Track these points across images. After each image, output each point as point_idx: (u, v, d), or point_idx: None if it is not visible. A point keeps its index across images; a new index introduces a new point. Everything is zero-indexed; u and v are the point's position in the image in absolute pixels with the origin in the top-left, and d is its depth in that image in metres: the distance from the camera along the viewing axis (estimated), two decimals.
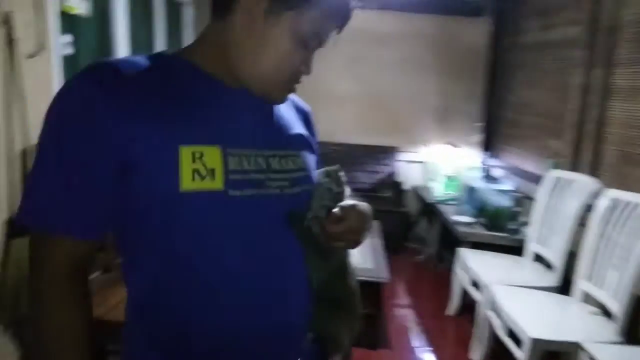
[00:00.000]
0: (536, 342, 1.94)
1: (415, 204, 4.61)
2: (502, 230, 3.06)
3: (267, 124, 0.85)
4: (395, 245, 4.25)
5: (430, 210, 4.18)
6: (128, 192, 0.71)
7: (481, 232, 3.10)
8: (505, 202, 3.13)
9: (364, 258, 2.86)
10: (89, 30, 2.53)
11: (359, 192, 4.26)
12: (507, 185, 3.43)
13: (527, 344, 1.96)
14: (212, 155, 0.72)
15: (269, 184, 0.79)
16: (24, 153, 1.82)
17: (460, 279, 2.98)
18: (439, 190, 4.02)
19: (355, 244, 0.87)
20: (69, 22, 2.31)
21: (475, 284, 2.71)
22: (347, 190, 0.91)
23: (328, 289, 0.88)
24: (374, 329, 2.66)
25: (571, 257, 2.56)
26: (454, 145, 4.34)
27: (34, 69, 1.82)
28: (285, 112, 0.91)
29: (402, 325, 3.11)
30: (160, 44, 3.36)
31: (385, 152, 4.64)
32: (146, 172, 0.69)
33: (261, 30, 0.74)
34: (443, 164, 4.17)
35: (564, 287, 2.48)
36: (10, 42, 1.71)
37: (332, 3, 0.76)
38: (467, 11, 4.62)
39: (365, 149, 4.64)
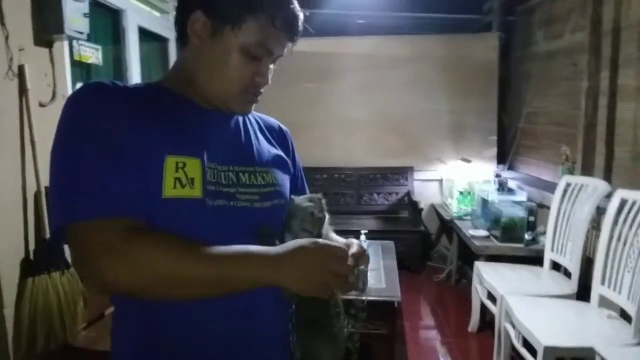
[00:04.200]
0: (550, 350, 1.89)
1: (434, 222, 4.58)
2: (518, 241, 3.01)
3: (237, 142, 0.90)
4: (416, 264, 4.22)
5: (448, 227, 4.14)
6: None
7: (496, 244, 3.06)
8: (519, 212, 3.08)
9: (377, 278, 2.85)
10: (102, 77, 2.71)
11: (376, 214, 4.26)
12: (522, 196, 3.38)
13: (541, 353, 1.91)
14: (193, 166, 0.78)
15: (239, 196, 0.84)
16: (36, 196, 1.95)
17: (478, 293, 2.93)
18: (455, 206, 4.00)
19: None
20: (83, 70, 2.49)
21: (492, 297, 2.66)
22: (327, 218, 0.95)
23: (305, 308, 0.90)
24: (389, 349, 2.62)
25: (588, 263, 2.50)
26: (468, 161, 4.32)
27: (47, 116, 1.97)
28: (258, 132, 0.98)
29: (423, 345, 3.06)
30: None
31: (401, 173, 4.66)
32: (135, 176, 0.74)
33: (211, 50, 0.81)
34: (458, 180, 4.14)
35: (584, 294, 2.41)
36: (23, 92, 1.87)
37: (269, 15, 0.80)
38: (476, 28, 4.69)
39: (381, 170, 4.67)
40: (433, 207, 4.53)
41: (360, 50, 4.58)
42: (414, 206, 4.41)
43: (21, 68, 1.84)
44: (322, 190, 4.38)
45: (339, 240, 0.98)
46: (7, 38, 1.76)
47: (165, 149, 0.77)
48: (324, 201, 0.95)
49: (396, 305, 2.57)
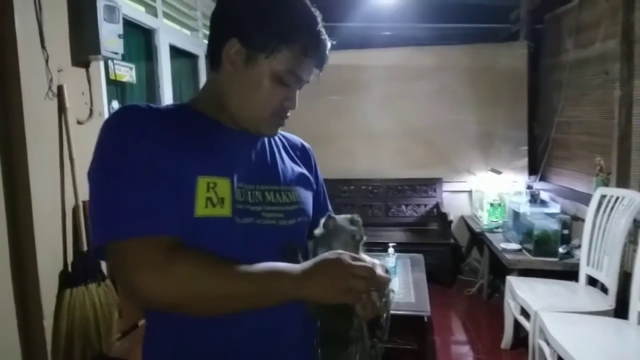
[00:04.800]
0: None
1: (464, 234, 4.51)
2: (552, 254, 2.93)
3: (263, 162, 0.93)
4: (446, 278, 4.15)
5: (479, 239, 4.07)
6: None
7: (529, 258, 2.98)
8: (552, 225, 3.00)
9: (407, 292, 2.83)
10: (137, 95, 2.81)
11: (405, 227, 4.22)
12: (555, 208, 3.30)
13: None
14: (223, 186, 0.81)
15: (265, 215, 0.86)
16: (74, 210, 2.02)
17: (511, 308, 2.86)
18: (485, 218, 3.93)
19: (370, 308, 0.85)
20: (117, 88, 2.59)
21: (525, 313, 2.59)
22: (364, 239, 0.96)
23: (329, 326, 0.90)
24: None
25: (626, 278, 2.41)
26: (498, 172, 4.25)
27: (85, 133, 2.05)
28: (282, 151, 1.00)
29: None
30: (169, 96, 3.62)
31: (429, 184, 4.61)
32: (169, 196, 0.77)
33: (244, 76, 0.84)
34: (488, 192, 4.07)
35: (621, 311, 2.32)
36: (62, 110, 1.95)
37: (301, 45, 0.84)
38: (503, 37, 4.64)
39: (409, 182, 4.64)
40: (463, 219, 4.46)
41: (386, 62, 4.58)
42: (443, 218, 4.36)
43: (60, 88, 1.92)
44: (349, 202, 4.43)
45: (367, 259, 0.99)
46: (47, 60, 1.85)
47: (197, 170, 0.79)
48: (361, 223, 0.96)
49: (426, 319, 2.53)
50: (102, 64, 2.30)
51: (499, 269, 3.55)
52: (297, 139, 1.10)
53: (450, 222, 4.23)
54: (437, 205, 4.56)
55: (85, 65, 2.13)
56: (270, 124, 0.90)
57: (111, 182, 0.76)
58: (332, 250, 0.89)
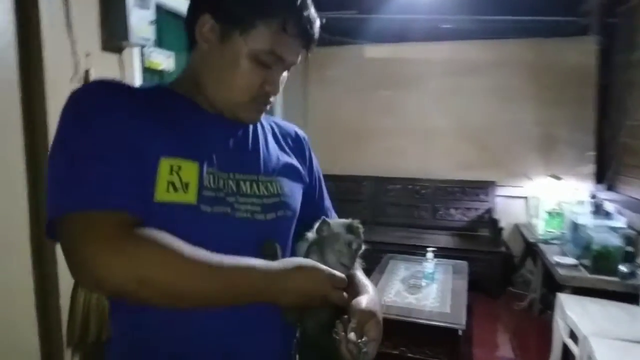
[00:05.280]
0: None
1: (518, 243, 4.19)
2: (612, 273, 2.61)
3: (242, 149, 0.85)
4: (494, 288, 3.88)
5: (534, 250, 3.75)
6: None
7: (585, 275, 2.68)
8: (614, 240, 2.68)
9: (443, 301, 2.63)
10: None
11: (452, 231, 4.00)
12: (620, 222, 2.95)
13: None
14: (189, 170, 0.74)
15: (238, 207, 0.78)
16: None
17: (559, 329, 2.59)
18: (541, 228, 3.61)
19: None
20: (155, 76, 2.58)
21: (575, 336, 2.32)
22: (363, 247, 0.88)
23: (314, 334, 0.84)
24: None
25: None
26: (558, 178, 3.90)
27: None
28: (270, 139, 0.92)
29: None
30: None
31: (482, 188, 4.33)
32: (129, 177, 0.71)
33: (219, 55, 0.77)
34: (546, 199, 3.75)
35: None
36: None
37: (279, 21, 0.75)
38: (570, 31, 4.25)
39: (460, 184, 4.39)
40: (517, 227, 4.15)
41: (440, 56, 4.36)
42: (494, 224, 4.08)
43: (87, 73, 1.92)
44: (394, 201, 4.25)
45: (361, 280, 0.92)
46: (73, 44, 1.85)
47: (161, 150, 0.73)
48: (361, 230, 0.86)
49: (460, 333, 2.33)
50: (137, 50, 2.29)
51: (554, 284, 3.25)
52: (291, 127, 1.01)
53: (502, 229, 3.95)
54: (488, 211, 4.28)
55: (118, 50, 2.13)
56: (249, 109, 0.82)
57: (69, 155, 0.70)
58: (325, 257, 0.83)
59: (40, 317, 1.83)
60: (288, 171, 0.90)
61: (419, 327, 2.38)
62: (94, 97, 0.74)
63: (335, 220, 0.88)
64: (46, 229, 0.71)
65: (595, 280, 2.63)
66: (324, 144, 4.83)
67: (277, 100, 4.11)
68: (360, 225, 0.85)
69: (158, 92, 0.82)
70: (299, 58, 0.81)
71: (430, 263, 2.95)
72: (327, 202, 1.04)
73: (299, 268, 0.74)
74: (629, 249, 2.67)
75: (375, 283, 2.94)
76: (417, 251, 3.46)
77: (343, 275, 0.78)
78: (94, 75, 1.95)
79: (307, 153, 0.99)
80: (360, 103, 4.59)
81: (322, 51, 4.69)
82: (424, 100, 4.44)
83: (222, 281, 0.69)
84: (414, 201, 4.48)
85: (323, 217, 0.87)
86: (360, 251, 0.86)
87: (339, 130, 4.63)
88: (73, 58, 1.87)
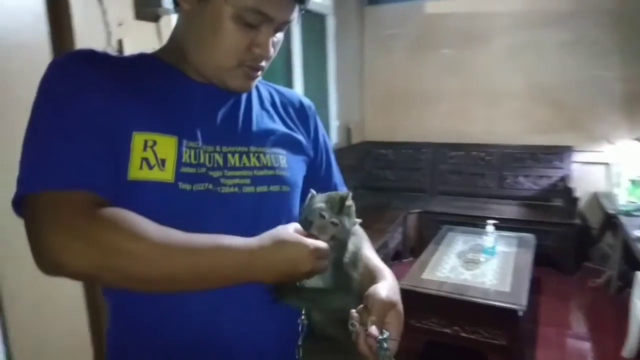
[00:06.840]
0: None
1: (597, 214, 3.81)
2: None
3: (232, 120, 0.79)
4: (568, 264, 3.58)
5: (614, 222, 3.39)
6: None
7: None
8: None
9: (502, 279, 2.43)
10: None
11: (521, 200, 3.70)
12: None
13: None
14: (166, 145, 0.69)
15: (224, 181, 0.73)
16: None
17: (636, 310, 2.31)
18: (623, 197, 3.24)
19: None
20: None
21: None
22: (356, 225, 0.79)
23: (320, 330, 0.79)
24: None
25: None
26: None
27: None
28: (269, 108, 0.86)
29: None
30: (298, 55, 3.46)
31: (556, 153, 3.96)
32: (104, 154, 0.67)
33: (200, 17, 0.70)
34: (631, 165, 3.34)
35: None
36: None
37: None
38: None
39: (531, 149, 4.05)
40: (596, 197, 3.76)
41: (509, 8, 3.96)
42: (569, 193, 3.72)
43: (120, 42, 1.88)
44: (456, 169, 4.00)
45: (371, 262, 0.83)
46: (104, 13, 1.81)
47: (135, 124, 0.68)
48: (349, 203, 0.76)
49: (520, 314, 2.14)
50: (174, 18, 2.23)
51: (635, 260, 2.91)
52: (295, 95, 0.92)
53: (578, 199, 3.59)
54: (563, 179, 3.91)
55: (154, 19, 2.08)
56: (237, 75, 0.74)
57: (37, 133, 0.66)
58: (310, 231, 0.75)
59: (92, 333, 1.83)
60: (287, 143, 0.83)
61: (474, 306, 2.21)
62: (65, 71, 0.69)
63: (322, 194, 0.78)
64: (13, 205, 0.66)
65: None
66: (381, 109, 4.64)
67: (330, 64, 3.95)
68: (345, 195, 0.75)
69: (142, 61, 0.76)
70: (293, 14, 0.72)
71: (490, 236, 2.74)
72: (337, 178, 0.94)
73: (279, 242, 0.68)
74: None
75: (430, 256, 2.78)
76: (479, 222, 3.23)
77: (325, 244, 0.71)
78: (128, 46, 1.91)
79: (311, 124, 0.90)
80: (421, 64, 4.32)
81: (379, 8, 4.44)
82: (491, 58, 4.09)
83: (192, 262, 0.64)
84: (478, 169, 4.20)
85: (311, 190, 0.79)
86: (346, 227, 0.75)
87: (398, 94, 4.41)
88: (105, 28, 1.83)
